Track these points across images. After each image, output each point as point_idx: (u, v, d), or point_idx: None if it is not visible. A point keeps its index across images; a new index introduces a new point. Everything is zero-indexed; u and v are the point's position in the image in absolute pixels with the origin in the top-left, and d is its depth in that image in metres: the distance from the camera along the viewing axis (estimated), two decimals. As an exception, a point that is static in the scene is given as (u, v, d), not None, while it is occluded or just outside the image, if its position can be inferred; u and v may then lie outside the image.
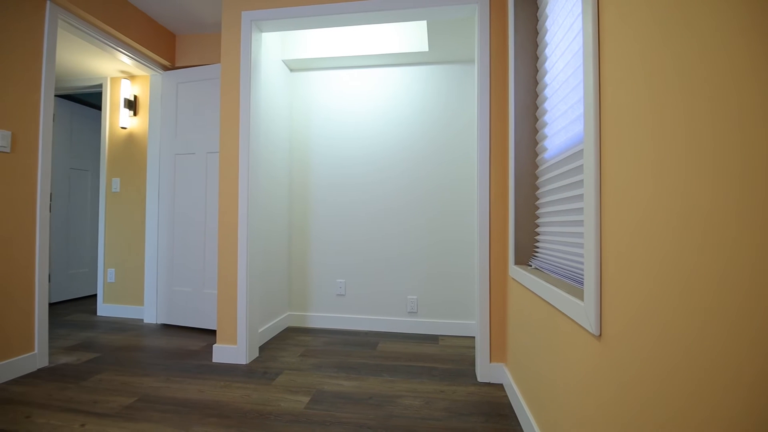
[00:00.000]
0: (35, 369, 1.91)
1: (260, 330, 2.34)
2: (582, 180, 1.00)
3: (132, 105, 2.94)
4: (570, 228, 1.10)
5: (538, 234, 1.55)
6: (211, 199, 2.61)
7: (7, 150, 1.78)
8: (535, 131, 1.59)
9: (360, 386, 1.75)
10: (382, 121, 2.71)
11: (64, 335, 2.48)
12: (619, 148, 0.70)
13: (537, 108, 1.59)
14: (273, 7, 2.03)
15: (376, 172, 2.71)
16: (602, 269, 0.76)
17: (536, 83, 1.60)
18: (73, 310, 3.15)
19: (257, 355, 2.14)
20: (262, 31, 2.15)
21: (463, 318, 2.57)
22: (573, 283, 1.07)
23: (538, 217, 1.55)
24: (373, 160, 2.72)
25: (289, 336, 2.52)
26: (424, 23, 2.47)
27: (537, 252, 1.53)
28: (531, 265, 1.53)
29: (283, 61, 2.69)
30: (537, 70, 1.60)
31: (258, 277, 2.13)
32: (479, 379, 1.83)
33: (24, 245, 1.86)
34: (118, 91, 2.99)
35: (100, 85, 3.19)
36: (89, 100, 4.05)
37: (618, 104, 0.71)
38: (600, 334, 0.76)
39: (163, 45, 2.69)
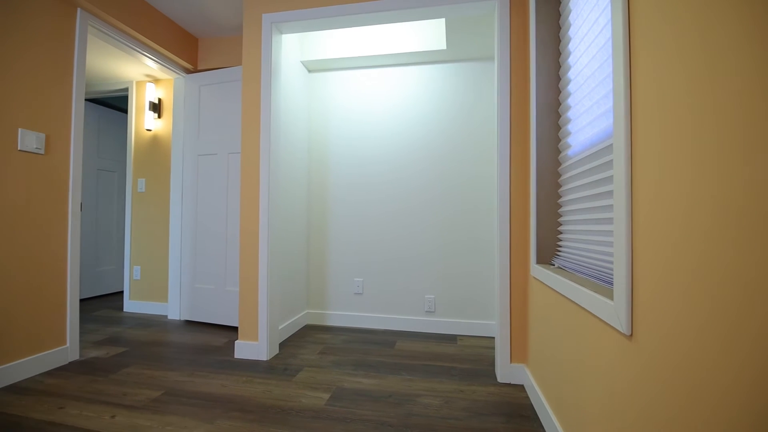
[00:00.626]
0: (67, 362, 1.99)
1: (280, 327, 2.38)
2: (610, 176, 0.97)
3: (156, 107, 3.03)
4: (596, 226, 1.08)
5: (561, 233, 1.52)
6: (232, 199, 2.66)
7: (42, 152, 1.86)
8: (558, 128, 1.57)
9: (379, 384, 1.76)
10: (399, 120, 2.71)
11: (93, 330, 2.57)
12: (652, 142, 0.68)
13: (560, 104, 1.56)
14: (292, 8, 2.06)
15: (394, 171, 2.71)
16: (633, 267, 0.74)
17: (559, 79, 1.57)
18: (100, 306, 3.27)
19: (277, 351, 2.18)
20: (281, 33, 2.18)
21: (482, 318, 2.55)
22: (599, 283, 1.04)
23: (561, 216, 1.52)
24: (391, 159, 2.72)
25: (308, 333, 2.55)
26: (442, 21, 2.46)
27: (560, 251, 1.50)
28: (554, 265, 1.50)
29: (301, 62, 2.72)
30: (559, 66, 1.57)
31: (278, 277, 2.16)
32: (499, 380, 1.81)
33: (57, 243, 1.94)
34: (144, 95, 3.09)
35: (126, 89, 3.29)
36: (115, 103, 4.19)
37: (650, 96, 0.69)
38: (631, 334, 0.74)
39: (187, 49, 2.76)
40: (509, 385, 1.77)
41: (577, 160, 1.26)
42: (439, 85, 2.66)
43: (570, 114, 1.38)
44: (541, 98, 1.58)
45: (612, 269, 0.97)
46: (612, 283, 0.96)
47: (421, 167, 2.67)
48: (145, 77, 3.06)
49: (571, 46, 1.41)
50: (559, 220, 1.53)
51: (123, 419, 1.43)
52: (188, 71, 2.89)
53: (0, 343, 1.69)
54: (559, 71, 1.57)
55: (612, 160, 0.96)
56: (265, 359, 2.05)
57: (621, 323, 0.76)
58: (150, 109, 3.00)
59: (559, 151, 1.55)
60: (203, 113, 2.78)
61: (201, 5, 2.43)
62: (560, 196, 1.53)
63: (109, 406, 1.53)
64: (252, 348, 2.07)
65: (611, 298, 0.85)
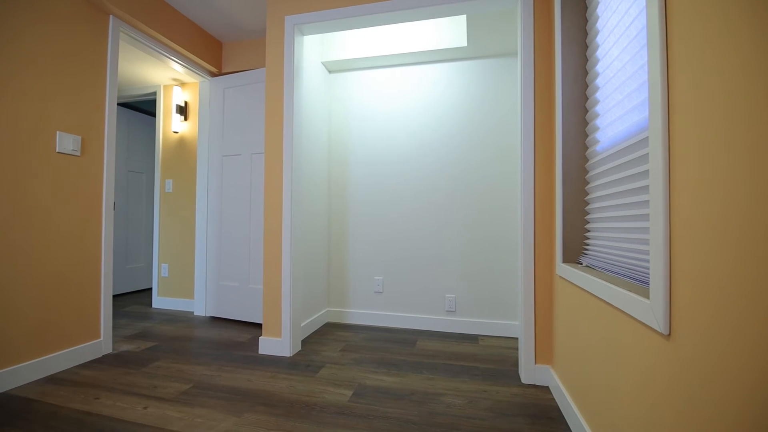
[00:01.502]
0: (101, 355, 2.07)
1: (302, 324, 2.41)
2: (645, 171, 0.94)
3: (183, 110, 3.12)
4: (629, 223, 1.05)
5: (588, 231, 1.48)
6: (255, 198, 2.72)
7: (78, 154, 1.95)
8: (585, 123, 1.53)
9: (401, 382, 1.76)
10: (420, 118, 2.71)
11: (125, 325, 2.68)
12: (691, 135, 0.65)
13: (587, 99, 1.52)
14: (314, 9, 2.09)
15: (414, 170, 2.71)
16: (672, 264, 0.71)
17: (585, 73, 1.53)
18: (131, 302, 3.40)
19: (300, 348, 2.21)
20: (303, 35, 2.21)
21: (504, 318, 2.51)
22: (632, 281, 1.01)
23: (588, 213, 1.48)
24: (411, 157, 2.72)
25: (329, 331, 2.57)
26: (462, 18, 2.44)
27: (587, 249, 1.46)
28: (581, 264, 1.46)
29: (322, 63, 2.75)
30: (586, 60, 1.53)
31: (300, 276, 2.20)
32: (523, 381, 1.78)
33: (92, 241, 2.03)
34: (171, 98, 3.19)
35: (154, 93, 3.41)
36: (143, 106, 4.34)
37: (688, 86, 0.66)
38: (669, 333, 0.72)
39: (212, 52, 2.83)
40: (533, 386, 1.74)
41: (607, 156, 1.23)
42: (458, 82, 2.64)
43: (598, 108, 1.34)
44: (567, 93, 1.54)
45: (646, 267, 0.94)
46: (645, 282, 0.93)
47: (441, 165, 2.66)
48: (172, 81, 3.16)
49: (599, 38, 1.37)
50: (586, 218, 1.49)
51: (155, 411, 1.48)
52: (213, 74, 2.96)
53: (40, 336, 1.78)
54: (586, 65, 1.53)
55: (647, 154, 0.93)
56: (288, 355, 2.08)
57: (658, 322, 0.73)
58: (177, 111, 3.09)
59: (586, 147, 1.52)
60: (227, 115, 2.85)
61: (226, 10, 2.49)
62: (588, 194, 1.50)
63: (141, 398, 1.59)
64: (275, 344, 2.10)
65: (646, 296, 0.82)
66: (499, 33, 2.32)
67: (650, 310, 0.77)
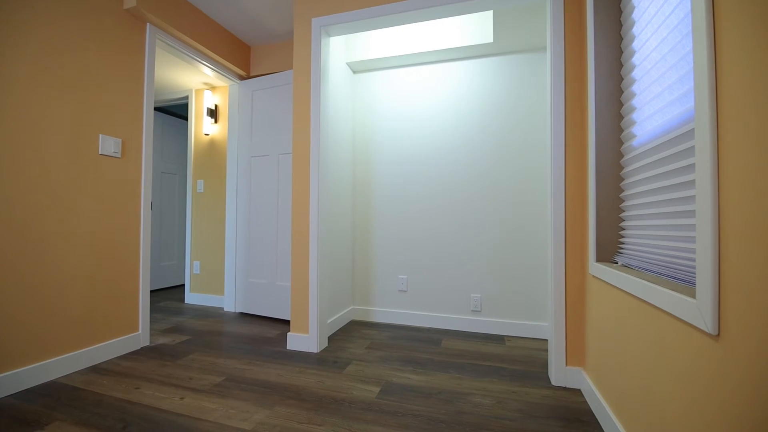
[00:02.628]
0: (139, 347, 2.18)
1: (328, 321, 2.44)
2: (690, 165, 0.90)
3: (213, 113, 3.23)
4: (671, 220, 1.01)
5: (623, 229, 1.43)
6: (282, 197, 2.78)
7: (119, 156, 2.05)
8: (620, 117, 1.48)
9: (428, 381, 1.75)
10: (444, 116, 2.69)
11: (160, 319, 2.80)
12: (742, 125, 0.62)
13: (622, 93, 1.47)
14: (340, 11, 2.11)
15: (438, 168, 2.69)
16: (720, 261, 0.68)
17: (620, 66, 1.48)
18: (164, 297, 3.55)
19: (326, 344, 2.24)
20: (329, 36, 2.24)
21: (531, 319, 2.46)
22: (673, 280, 0.97)
23: (623, 211, 1.43)
24: (435, 155, 2.70)
25: (354, 329, 2.60)
26: (488, 14, 2.41)
27: (622, 248, 1.41)
28: (616, 263, 1.42)
29: (347, 63, 2.78)
30: (621, 52, 1.48)
31: (326, 275, 2.23)
32: (553, 383, 1.74)
33: (131, 239, 2.13)
34: (202, 101, 3.31)
35: (186, 97, 3.54)
36: (175, 110, 4.52)
37: (739, 73, 0.63)
38: (718, 333, 0.68)
39: (240, 56, 2.92)
40: (564, 388, 1.70)
41: (645, 150, 1.18)
42: (483, 79, 2.60)
43: (635, 102, 1.30)
44: (601, 87, 1.49)
45: (690, 265, 0.90)
46: (688, 281, 0.90)
47: (466, 162, 2.63)
48: (203, 85, 3.27)
49: (636, 29, 1.32)
50: (621, 215, 1.44)
51: (191, 401, 1.54)
52: (241, 77, 3.05)
53: (85, 328, 1.89)
54: (620, 57, 1.48)
55: (691, 148, 0.89)
56: (315, 351, 2.12)
57: (705, 322, 0.70)
58: (207, 114, 3.20)
59: (621, 142, 1.47)
60: (255, 117, 2.93)
61: (255, 14, 2.56)
62: (623, 190, 1.45)
63: (178, 389, 1.65)
64: (303, 340, 2.14)
65: (692, 295, 0.78)
66: (526, 28, 2.27)
67: (697, 309, 0.73)
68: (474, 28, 2.46)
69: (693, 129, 0.90)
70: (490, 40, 2.42)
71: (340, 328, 2.61)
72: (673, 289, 0.86)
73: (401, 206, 2.78)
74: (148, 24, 2.20)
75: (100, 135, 1.96)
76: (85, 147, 1.89)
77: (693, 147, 0.90)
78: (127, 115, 2.11)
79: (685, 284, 0.91)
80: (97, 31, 1.93)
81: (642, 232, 1.21)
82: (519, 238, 2.50)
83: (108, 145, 1.99)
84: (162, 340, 2.32)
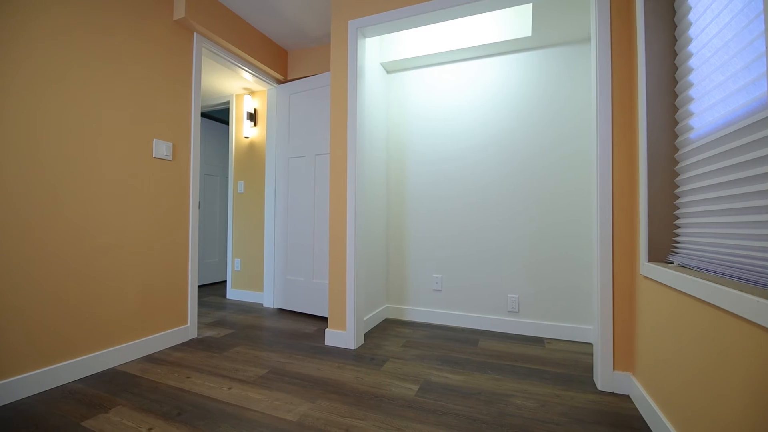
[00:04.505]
0: (188, 339, 2.30)
1: (364, 319, 2.47)
2: (761, 157, 0.84)
3: (252, 117, 3.36)
4: (739, 217, 0.94)
5: (678, 227, 1.35)
6: (318, 196, 2.84)
7: (170, 158, 2.18)
8: (674, 110, 1.40)
9: (466, 381, 1.74)
10: (479, 112, 2.65)
11: (204, 313, 2.94)
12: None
13: (676, 83, 1.39)
14: (377, 12, 2.13)
15: (472, 165, 2.66)
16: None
17: (674, 55, 1.40)
18: (208, 293, 3.73)
19: (363, 341, 2.27)
20: (365, 37, 2.27)
21: (572, 321, 2.37)
22: (741, 281, 0.91)
23: (678, 208, 1.35)
24: (469, 153, 2.67)
25: (389, 327, 2.61)
26: (524, 8, 2.35)
27: (677, 247, 1.34)
28: (671, 263, 1.34)
29: (381, 64, 2.80)
30: (675, 41, 1.40)
31: (363, 273, 2.26)
32: (599, 388, 1.67)
33: (181, 236, 2.26)
34: (242, 106, 3.45)
35: (227, 102, 3.70)
36: (215, 115, 4.74)
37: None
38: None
39: (278, 61, 3.02)
40: (612, 394, 1.63)
41: (707, 143, 1.12)
42: (520, 74, 2.54)
43: (693, 92, 1.23)
44: (653, 77, 1.42)
45: (762, 266, 0.84)
46: (757, 281, 0.84)
47: (501, 159, 2.58)
48: (243, 90, 3.41)
49: (692, 15, 1.25)
50: (676, 212, 1.37)
51: (238, 391, 1.61)
52: (279, 81, 3.15)
53: (141, 320, 2.03)
54: (674, 46, 1.40)
55: (762, 139, 0.83)
56: (352, 348, 2.15)
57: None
58: (247, 118, 3.33)
59: (676, 135, 1.39)
60: (292, 119, 3.02)
61: (293, 19, 2.64)
62: (677, 185, 1.37)
63: (225, 379, 1.74)
64: (340, 336, 2.19)
65: (766, 297, 0.73)
66: (568, 19, 2.19)
67: (772, 311, 0.68)
68: (511, 22, 2.41)
69: (763, 119, 0.84)
70: (528, 33, 2.36)
71: (375, 326, 2.63)
72: (743, 291, 0.80)
73: (435, 205, 2.76)
74: (195, 33, 2.33)
75: (154, 139, 2.09)
76: (141, 150, 2.02)
77: (763, 138, 0.84)
78: (177, 119, 2.23)
79: (755, 285, 0.85)
80: (150, 41, 2.07)
81: (703, 230, 1.14)
82: (557, 237, 2.42)
83: (161, 148, 2.12)
84: (208, 333, 2.45)
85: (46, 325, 1.62)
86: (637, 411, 1.47)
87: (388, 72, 2.94)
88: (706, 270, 1.08)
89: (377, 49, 2.74)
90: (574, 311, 2.37)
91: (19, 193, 1.54)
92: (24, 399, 1.53)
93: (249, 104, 3.37)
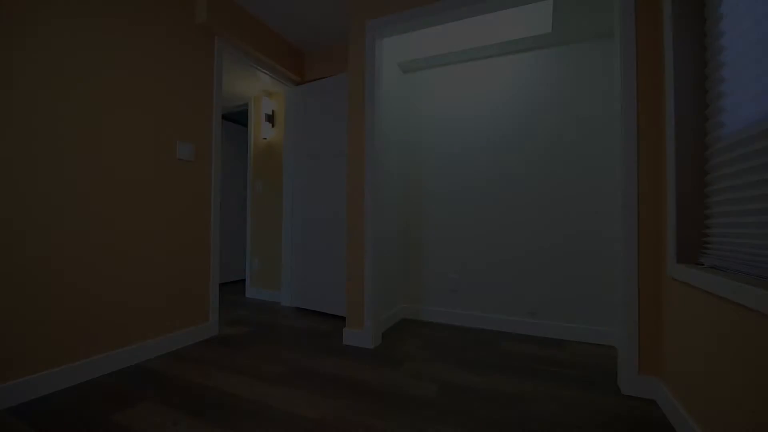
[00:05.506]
0: (209, 336, 2.35)
1: (381, 318, 2.48)
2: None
3: (270, 118, 3.41)
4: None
5: (709, 227, 1.31)
6: (335, 197, 2.86)
7: (192, 159, 2.23)
8: (704, 106, 1.35)
9: (486, 382, 1.72)
10: (497, 111, 2.62)
11: (224, 311, 3.00)
12: None
13: (706, 78, 1.34)
14: (395, 12, 2.14)
15: (490, 165, 2.63)
16: None
17: (704, 49, 1.36)
18: (227, 291, 3.80)
19: (380, 341, 2.28)
20: (384, 37, 2.27)
21: (593, 323, 2.32)
22: (780, 283, 0.87)
23: (709, 207, 1.31)
24: (486, 151, 2.64)
25: (406, 327, 2.61)
26: (544, 4, 2.31)
27: (708, 248, 1.29)
28: (701, 263, 1.30)
29: (397, 63, 2.80)
30: (705, 35, 1.36)
31: (380, 273, 2.26)
32: (623, 392, 1.63)
33: (203, 235, 2.31)
34: (260, 108, 3.50)
35: (245, 105, 3.77)
36: (233, 117, 4.82)
37: None
38: None
39: (295, 63, 3.05)
40: (637, 398, 1.58)
41: (741, 140, 1.07)
42: (539, 71, 2.50)
43: (725, 87, 1.18)
44: (681, 73, 1.38)
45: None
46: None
47: (519, 158, 2.54)
48: (261, 92, 3.46)
49: (724, 8, 1.21)
50: (706, 212, 1.32)
51: (260, 389, 1.64)
52: (296, 83, 3.19)
53: (166, 317, 2.08)
54: (704, 40, 1.35)
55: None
56: (370, 347, 2.16)
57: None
58: (265, 120, 3.38)
59: (705, 132, 1.34)
60: (309, 120, 3.05)
61: (311, 22, 2.67)
62: (708, 184, 1.32)
63: (247, 376, 1.77)
64: (358, 336, 2.20)
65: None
66: (590, 14, 2.15)
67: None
68: (530, 18, 2.37)
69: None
70: (548, 30, 2.32)
71: (392, 326, 2.63)
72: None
73: (452, 205, 2.75)
74: (216, 37, 2.38)
75: (178, 141, 2.14)
76: (166, 152, 2.08)
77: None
78: (199, 121, 2.29)
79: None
80: (173, 44, 2.12)
81: (737, 230, 1.10)
82: (581, 238, 2.37)
83: (184, 150, 2.17)
84: (229, 330, 2.49)
85: (75, 322, 1.69)
86: (666, 418, 1.43)
87: (404, 72, 2.94)
88: (740, 272, 1.04)
89: (394, 49, 2.74)
90: (595, 313, 2.32)
91: (51, 194, 1.60)
92: (56, 392, 1.59)
93: (267, 106, 3.42)
